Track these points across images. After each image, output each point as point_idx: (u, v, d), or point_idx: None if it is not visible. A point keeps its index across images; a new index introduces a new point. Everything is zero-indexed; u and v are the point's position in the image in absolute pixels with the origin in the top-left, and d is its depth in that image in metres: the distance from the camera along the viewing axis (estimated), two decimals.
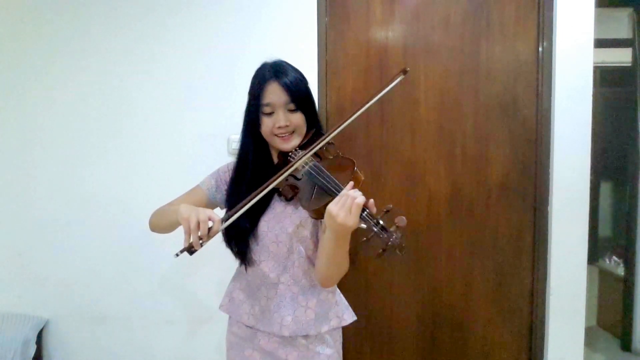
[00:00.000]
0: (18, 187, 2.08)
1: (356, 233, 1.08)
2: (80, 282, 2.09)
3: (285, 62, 1.28)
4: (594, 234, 3.93)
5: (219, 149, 2.02)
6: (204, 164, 2.02)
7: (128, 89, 2.04)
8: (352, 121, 1.19)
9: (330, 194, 1.08)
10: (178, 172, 2.03)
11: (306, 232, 1.26)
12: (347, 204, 1.01)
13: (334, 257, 1.16)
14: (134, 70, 2.04)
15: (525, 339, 2.12)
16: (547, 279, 2.05)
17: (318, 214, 1.11)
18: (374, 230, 1.01)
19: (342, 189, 1.06)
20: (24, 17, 2.05)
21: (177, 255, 1.06)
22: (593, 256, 3.36)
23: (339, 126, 1.19)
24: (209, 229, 1.05)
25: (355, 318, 1.35)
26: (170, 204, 1.34)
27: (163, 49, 2.03)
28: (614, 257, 3.42)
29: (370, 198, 1.06)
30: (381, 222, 1.01)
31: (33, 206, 2.08)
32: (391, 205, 1.02)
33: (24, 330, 1.97)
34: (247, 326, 1.32)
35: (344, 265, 1.19)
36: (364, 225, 1.03)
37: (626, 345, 3.09)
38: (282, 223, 1.26)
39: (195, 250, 1.06)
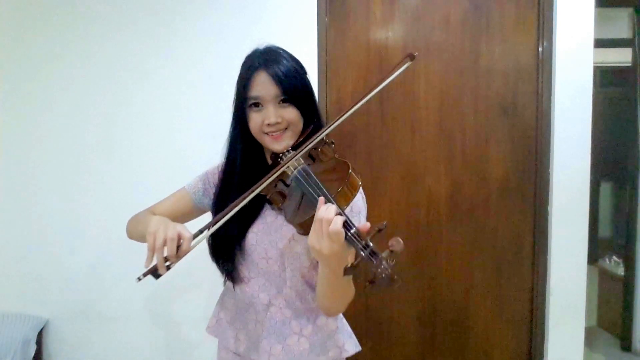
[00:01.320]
0: (18, 187, 2.08)
1: None
2: (80, 282, 2.09)
3: (280, 49, 1.10)
4: (594, 234, 3.93)
5: (219, 149, 2.01)
6: (204, 164, 2.02)
7: (128, 90, 2.04)
8: (351, 114, 1.04)
9: (316, 204, 0.87)
10: (178, 173, 2.01)
11: (299, 248, 1.07)
12: (324, 232, 0.81)
13: (336, 287, 0.97)
14: (134, 71, 2.04)
15: (525, 339, 2.12)
16: (547, 279, 2.05)
17: (304, 229, 0.89)
18: (361, 255, 0.79)
19: (329, 198, 0.87)
20: (24, 19, 2.05)
21: (139, 279, 0.90)
22: (593, 256, 3.35)
23: (337, 120, 1.02)
24: (178, 247, 0.88)
25: (359, 349, 1.17)
26: (150, 209, 1.18)
27: (163, 49, 2.03)
28: (614, 257, 3.42)
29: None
30: (371, 244, 0.79)
31: (33, 206, 2.08)
32: (385, 223, 0.80)
33: (24, 330, 1.97)
34: (235, 353, 1.17)
35: (349, 294, 1.01)
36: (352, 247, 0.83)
37: (626, 345, 3.09)
38: (271, 236, 1.08)
39: (161, 274, 0.89)
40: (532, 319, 2.09)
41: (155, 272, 0.89)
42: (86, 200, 2.07)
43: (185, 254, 0.90)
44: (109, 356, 2.11)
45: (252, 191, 0.96)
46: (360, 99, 1.04)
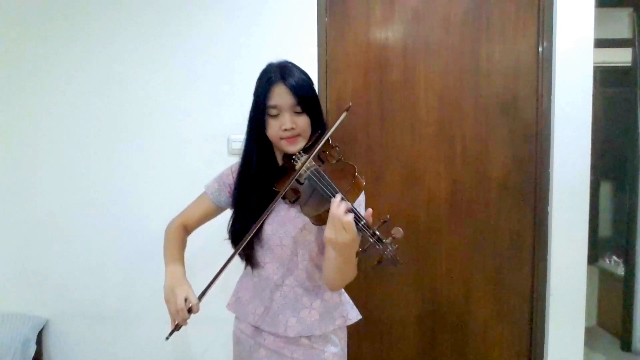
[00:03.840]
0: (18, 187, 2.08)
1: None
2: (80, 282, 2.09)
3: (291, 63, 1.27)
4: (594, 234, 3.93)
5: (219, 149, 2.02)
6: (204, 164, 2.03)
7: (128, 89, 2.04)
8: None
9: (329, 200, 1.06)
10: (178, 172, 2.03)
11: (310, 237, 1.26)
12: (338, 226, 1.00)
13: (342, 270, 1.16)
14: (134, 71, 2.04)
15: (525, 339, 2.12)
16: (547, 279, 2.05)
17: (319, 220, 1.09)
18: (369, 241, 1.00)
19: (342, 196, 1.05)
20: (25, 19, 2.05)
21: (167, 338, 1.15)
22: (593, 256, 3.36)
23: (323, 138, 1.19)
24: (189, 309, 1.15)
25: (360, 317, 1.35)
26: (181, 219, 1.38)
27: (163, 49, 2.03)
28: (614, 257, 3.42)
29: (369, 208, 1.06)
30: (377, 233, 1.00)
31: (33, 206, 2.08)
32: (388, 216, 1.00)
33: (24, 330, 1.97)
34: (253, 325, 1.33)
35: (351, 274, 1.19)
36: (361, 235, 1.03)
37: (626, 345, 3.09)
38: (285, 227, 1.26)
39: (182, 326, 1.16)
40: (532, 319, 2.10)
41: (179, 328, 1.15)
42: (86, 200, 2.07)
43: (198, 311, 1.17)
44: (109, 356, 2.11)
45: (273, 204, 1.17)
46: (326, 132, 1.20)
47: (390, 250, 0.97)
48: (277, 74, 1.22)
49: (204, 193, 1.39)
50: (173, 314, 1.15)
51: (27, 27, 2.05)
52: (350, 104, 1.23)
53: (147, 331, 2.09)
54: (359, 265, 1.13)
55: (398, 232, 0.98)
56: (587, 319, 2.07)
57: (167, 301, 1.17)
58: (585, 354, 2.07)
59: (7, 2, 2.04)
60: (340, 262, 1.11)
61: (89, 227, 2.07)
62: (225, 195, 1.35)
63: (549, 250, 2.04)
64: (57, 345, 2.11)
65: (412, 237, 2.07)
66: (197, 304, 1.15)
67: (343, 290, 1.37)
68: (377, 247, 0.99)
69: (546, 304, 2.06)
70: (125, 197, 2.06)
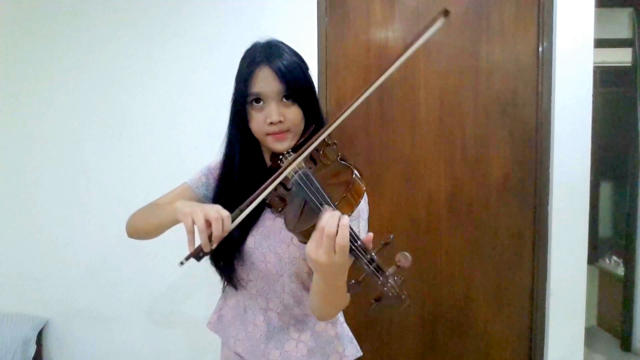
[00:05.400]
0: (18, 187, 2.08)
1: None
2: (80, 282, 2.09)
3: (281, 43, 1.05)
4: (594, 234, 3.93)
5: (219, 149, 2.02)
6: (204, 164, 2.02)
7: (128, 90, 2.04)
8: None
9: (317, 211, 0.82)
10: (178, 173, 2.01)
11: (298, 253, 1.04)
12: (326, 243, 0.75)
13: (328, 297, 0.94)
14: (134, 72, 2.04)
15: (525, 339, 2.12)
16: (547, 279, 2.05)
17: (306, 237, 0.83)
18: (365, 269, 0.75)
19: (331, 206, 0.81)
20: (24, 20, 2.04)
21: (181, 263, 0.85)
22: (593, 256, 3.36)
23: (342, 114, 0.94)
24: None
25: (360, 354, 1.14)
26: (153, 204, 1.14)
27: (163, 49, 2.03)
28: (614, 257, 3.42)
29: (370, 232, 0.81)
30: (376, 259, 0.75)
31: (33, 206, 2.08)
32: (392, 236, 0.76)
33: (24, 330, 1.97)
34: (235, 353, 1.15)
35: (342, 303, 0.97)
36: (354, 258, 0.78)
37: (626, 345, 3.09)
38: (270, 240, 1.05)
39: (205, 255, 0.86)
40: (532, 319, 2.10)
41: (199, 255, 0.85)
42: (86, 200, 2.07)
43: (227, 233, 0.87)
44: (109, 356, 2.11)
45: (260, 193, 0.91)
46: (369, 87, 0.96)
47: (392, 284, 0.73)
48: (262, 54, 0.99)
49: (185, 185, 1.17)
50: (201, 227, 0.83)
51: (27, 27, 2.04)
52: (450, 8, 0.82)
53: (147, 331, 2.09)
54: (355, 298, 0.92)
55: (405, 258, 0.73)
56: (587, 319, 2.07)
57: (191, 212, 0.85)
58: (585, 354, 2.07)
59: (7, 2, 2.04)
60: (324, 288, 0.90)
61: (88, 227, 2.07)
62: (212, 192, 1.15)
63: (549, 250, 2.04)
64: (57, 345, 2.11)
65: (412, 237, 2.07)
66: (229, 217, 0.85)
67: (342, 319, 1.16)
68: (376, 278, 0.74)
69: (546, 303, 2.06)
70: (125, 198, 2.05)
